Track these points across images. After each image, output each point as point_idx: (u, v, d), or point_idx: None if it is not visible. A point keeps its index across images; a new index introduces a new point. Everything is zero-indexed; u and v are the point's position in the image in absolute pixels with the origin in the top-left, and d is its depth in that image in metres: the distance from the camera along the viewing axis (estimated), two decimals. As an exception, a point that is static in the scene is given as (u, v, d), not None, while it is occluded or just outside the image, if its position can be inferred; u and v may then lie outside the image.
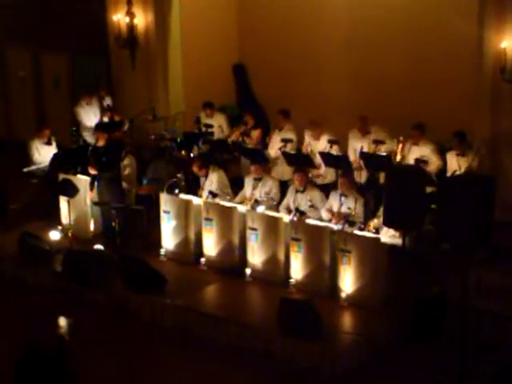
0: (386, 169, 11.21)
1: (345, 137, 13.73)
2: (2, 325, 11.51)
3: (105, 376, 10.24)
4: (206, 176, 12.88)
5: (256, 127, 14.64)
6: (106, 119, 15.87)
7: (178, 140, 14.88)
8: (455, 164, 12.54)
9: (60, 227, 13.67)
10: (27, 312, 11.84)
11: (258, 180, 12.57)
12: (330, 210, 11.86)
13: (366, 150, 13.22)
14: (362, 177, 13.29)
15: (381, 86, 15.62)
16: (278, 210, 12.31)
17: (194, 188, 13.20)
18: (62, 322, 11.79)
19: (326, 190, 12.66)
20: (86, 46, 17.75)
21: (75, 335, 11.45)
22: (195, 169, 12.99)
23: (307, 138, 13.86)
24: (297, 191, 12.15)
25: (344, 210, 11.68)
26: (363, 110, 13.87)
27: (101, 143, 13.89)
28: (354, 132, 13.59)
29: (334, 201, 11.90)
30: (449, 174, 12.55)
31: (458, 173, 12.26)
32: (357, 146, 13.39)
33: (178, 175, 13.16)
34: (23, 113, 19.43)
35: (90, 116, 15.93)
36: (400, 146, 12.71)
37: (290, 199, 12.23)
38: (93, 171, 13.52)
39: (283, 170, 13.71)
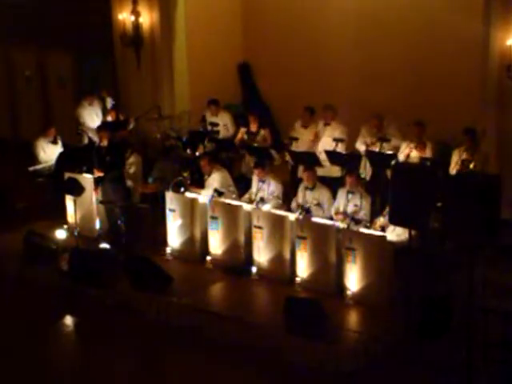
0: (391, 167, 11.22)
1: (352, 134, 13.72)
2: (7, 324, 11.55)
3: (110, 374, 10.25)
4: (209, 174, 12.89)
5: (264, 127, 14.60)
6: (110, 119, 15.89)
7: (184, 139, 14.87)
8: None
9: (66, 226, 13.69)
10: (33, 310, 11.88)
11: (261, 182, 12.56)
12: (338, 211, 11.82)
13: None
14: (367, 174, 13.29)
15: (387, 84, 15.61)
16: (288, 206, 12.31)
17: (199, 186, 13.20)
18: (68, 320, 11.84)
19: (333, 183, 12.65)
20: (91, 45, 17.78)
21: (81, 334, 11.49)
22: (203, 163, 12.96)
23: (318, 127, 13.84)
24: (306, 188, 12.13)
25: (351, 207, 11.67)
26: (369, 108, 13.87)
27: (104, 143, 13.92)
28: (366, 127, 13.56)
29: (342, 198, 11.88)
30: (453, 171, 12.50)
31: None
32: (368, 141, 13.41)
33: (184, 174, 13.15)
34: (29, 112, 19.47)
35: (92, 117, 15.95)
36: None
37: (299, 196, 12.22)
38: (98, 173, 13.53)
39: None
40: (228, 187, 12.78)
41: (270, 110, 17.55)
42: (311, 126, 14.01)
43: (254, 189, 12.66)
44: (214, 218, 12.34)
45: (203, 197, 12.67)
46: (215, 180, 12.79)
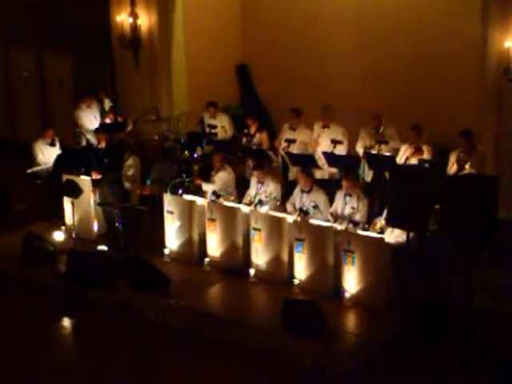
0: (390, 169, 11.23)
1: (350, 137, 13.72)
2: (5, 325, 11.54)
3: (109, 376, 10.25)
4: (217, 171, 12.91)
5: (261, 129, 14.61)
6: (108, 120, 15.89)
7: (182, 141, 14.87)
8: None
9: (64, 228, 13.69)
10: (31, 312, 11.88)
11: (260, 184, 12.56)
12: (334, 213, 11.81)
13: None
14: (368, 176, 13.30)
15: (385, 86, 15.62)
16: (284, 207, 12.31)
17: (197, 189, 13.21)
18: (66, 322, 11.83)
19: (328, 185, 12.64)
20: (90, 47, 17.77)
21: (79, 335, 11.48)
22: (216, 158, 12.97)
23: (317, 130, 13.87)
24: (302, 191, 12.13)
25: (348, 209, 11.67)
26: (367, 110, 13.86)
27: (102, 145, 13.90)
28: (365, 129, 13.58)
29: (339, 201, 11.87)
30: (450, 171, 12.51)
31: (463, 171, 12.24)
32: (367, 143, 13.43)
33: (183, 175, 13.16)
34: (27, 114, 19.44)
35: (90, 119, 15.91)
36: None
37: (295, 198, 12.22)
38: (96, 176, 13.52)
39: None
40: (229, 187, 12.80)
41: (268, 111, 17.55)
42: (299, 128, 14.03)
43: (252, 190, 12.65)
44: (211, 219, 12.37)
45: (204, 189, 12.66)
46: (221, 178, 12.81)
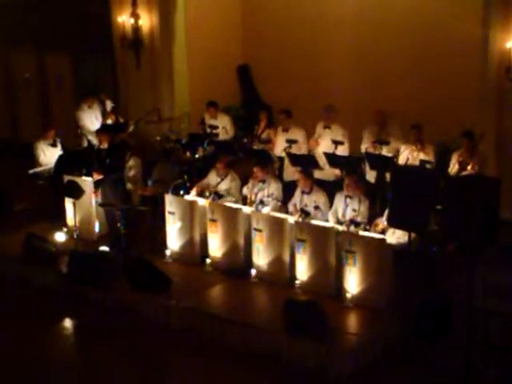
0: (391, 169, 11.21)
1: (351, 138, 13.71)
2: (7, 325, 11.54)
3: (110, 377, 10.25)
4: (222, 178, 12.87)
5: (270, 126, 14.64)
6: (109, 121, 15.89)
7: (183, 141, 14.87)
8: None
9: (65, 229, 13.69)
10: (32, 313, 11.88)
11: (262, 183, 12.53)
12: (334, 219, 11.79)
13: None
14: (371, 176, 13.29)
15: (386, 86, 15.63)
16: (286, 209, 12.29)
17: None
18: (68, 323, 11.83)
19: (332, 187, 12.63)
20: (91, 48, 17.80)
21: (80, 336, 11.48)
22: (220, 165, 12.92)
23: (318, 130, 13.85)
24: (303, 192, 12.11)
25: (349, 212, 11.64)
26: (369, 110, 13.86)
27: (104, 145, 13.91)
28: (369, 128, 13.56)
29: (340, 203, 11.85)
30: (451, 172, 12.51)
31: (464, 172, 12.24)
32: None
33: (184, 176, 13.16)
34: (28, 114, 19.48)
35: (92, 119, 15.91)
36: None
37: (296, 199, 12.20)
38: (97, 176, 13.52)
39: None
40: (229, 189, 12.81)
41: (270, 111, 17.52)
42: (291, 129, 14.02)
43: (255, 189, 12.61)
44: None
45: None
46: (230, 187, 12.77)
